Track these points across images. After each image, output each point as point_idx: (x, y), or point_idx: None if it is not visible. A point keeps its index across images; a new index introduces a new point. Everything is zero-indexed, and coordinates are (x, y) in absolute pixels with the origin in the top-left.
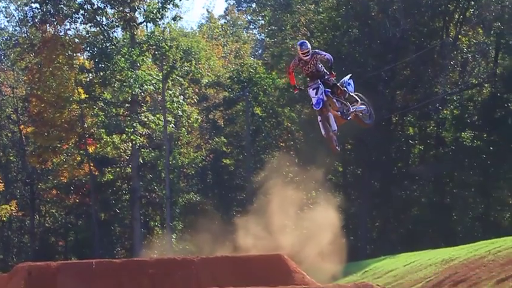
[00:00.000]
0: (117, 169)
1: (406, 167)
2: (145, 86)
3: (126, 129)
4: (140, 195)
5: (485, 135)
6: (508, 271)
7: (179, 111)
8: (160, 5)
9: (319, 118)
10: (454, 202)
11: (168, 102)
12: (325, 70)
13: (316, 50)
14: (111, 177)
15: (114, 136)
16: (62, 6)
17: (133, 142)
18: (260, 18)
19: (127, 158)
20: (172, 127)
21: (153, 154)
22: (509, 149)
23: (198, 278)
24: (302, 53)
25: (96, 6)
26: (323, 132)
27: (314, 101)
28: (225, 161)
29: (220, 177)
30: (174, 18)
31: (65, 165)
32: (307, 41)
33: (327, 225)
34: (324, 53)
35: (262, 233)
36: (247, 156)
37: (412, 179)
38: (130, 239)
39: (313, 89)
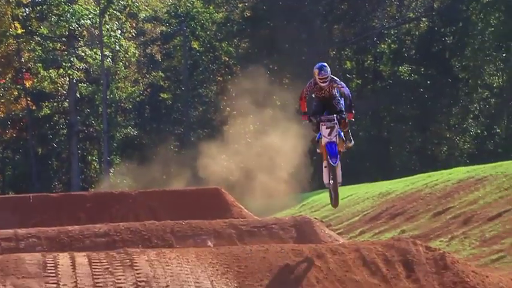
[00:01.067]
0: (55, 104)
1: None
2: (82, 21)
3: (63, 64)
4: (78, 129)
5: (422, 70)
6: (445, 204)
7: (116, 46)
8: None
9: (324, 164)
10: (392, 136)
11: (106, 37)
12: (337, 97)
13: (334, 78)
14: (49, 111)
15: (51, 71)
16: None
17: (71, 77)
18: None
19: (64, 92)
20: (110, 62)
21: (90, 88)
22: (447, 83)
23: (135, 211)
24: (320, 79)
25: None
26: (325, 181)
27: (325, 141)
28: (162, 96)
29: (158, 111)
30: None
31: (2, 100)
32: (326, 65)
33: (274, 155)
34: (342, 83)
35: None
36: (184, 91)
37: None
38: (67, 173)
39: (327, 128)
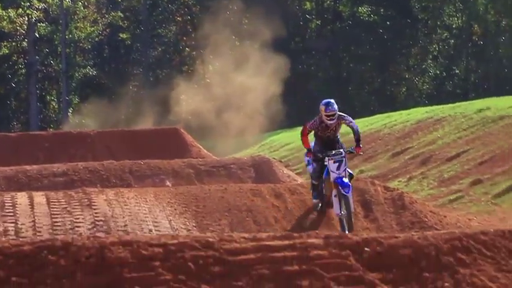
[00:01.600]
0: (13, 43)
1: (304, 42)
2: None
3: (22, 3)
4: (36, 69)
5: (382, 10)
6: (403, 144)
7: None
8: None
9: (333, 193)
10: (351, 76)
11: None
12: (339, 139)
13: (341, 114)
14: (7, 51)
15: (10, 10)
16: None
17: (30, 16)
18: None
19: (23, 32)
20: (69, 1)
21: (49, 28)
22: (406, 23)
23: (94, 151)
24: (327, 116)
25: None
26: (337, 211)
27: (334, 177)
28: (121, 36)
29: (117, 51)
30: None
31: None
32: (333, 101)
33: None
34: (350, 119)
35: (160, 106)
36: (144, 31)
37: (309, 53)
38: (26, 113)
39: (334, 162)
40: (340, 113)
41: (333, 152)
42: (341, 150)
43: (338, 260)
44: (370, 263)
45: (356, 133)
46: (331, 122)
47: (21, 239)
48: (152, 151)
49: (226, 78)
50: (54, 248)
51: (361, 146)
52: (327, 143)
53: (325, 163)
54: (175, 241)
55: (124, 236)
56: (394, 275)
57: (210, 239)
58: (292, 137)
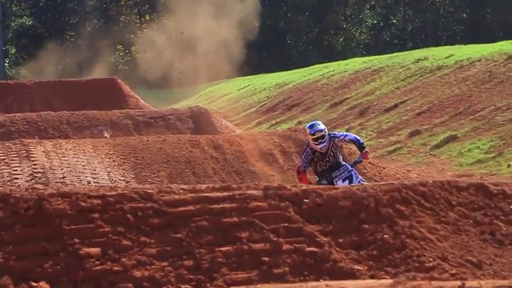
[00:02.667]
0: None
1: None
2: None
3: None
4: None
5: None
6: (342, 95)
7: None
8: None
9: None
10: (288, 26)
11: None
12: (341, 160)
13: (331, 133)
14: None
15: None
16: None
17: None
18: None
19: None
20: None
21: None
22: None
23: (31, 101)
24: (315, 140)
25: None
26: None
27: None
28: None
29: (53, 1)
30: None
31: None
32: (319, 122)
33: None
34: (343, 134)
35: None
36: None
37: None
38: None
39: (343, 180)
40: (330, 132)
41: (338, 171)
42: (346, 165)
43: (277, 212)
44: (310, 214)
45: (356, 142)
46: (322, 145)
47: None
48: (90, 102)
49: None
50: None
51: (367, 151)
52: (331, 168)
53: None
54: (114, 193)
55: (63, 187)
56: (333, 227)
57: (149, 191)
58: (230, 88)
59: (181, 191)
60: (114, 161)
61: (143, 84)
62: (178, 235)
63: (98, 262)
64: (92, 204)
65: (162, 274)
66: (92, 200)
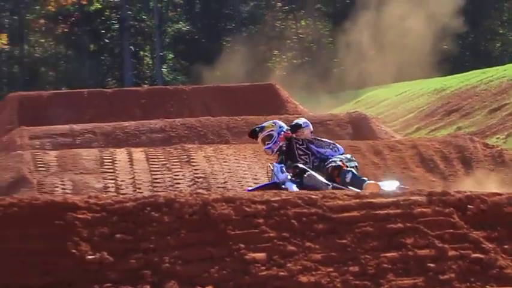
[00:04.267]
0: None
1: None
2: None
3: None
4: (129, 24)
5: None
6: (500, 100)
7: None
8: None
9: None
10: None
11: None
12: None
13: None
14: (100, 6)
15: None
16: None
17: None
18: None
19: None
20: None
21: None
22: None
23: (190, 107)
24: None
25: None
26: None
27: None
28: None
29: (208, 6)
30: None
31: None
32: (264, 124)
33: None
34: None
35: (253, 62)
36: None
37: None
38: (120, 69)
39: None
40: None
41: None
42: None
43: (442, 218)
44: (474, 220)
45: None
46: (266, 147)
47: (123, 196)
48: (248, 106)
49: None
50: (158, 205)
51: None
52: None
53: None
54: (278, 198)
55: (226, 192)
56: (498, 233)
57: (313, 196)
58: (388, 93)
59: (345, 196)
60: None
61: (301, 89)
62: (343, 241)
63: (263, 267)
64: (256, 209)
65: (328, 280)
66: (257, 205)
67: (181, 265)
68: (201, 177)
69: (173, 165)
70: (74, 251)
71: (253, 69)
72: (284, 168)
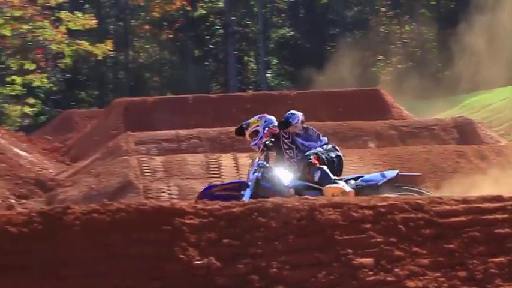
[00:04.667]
0: (209, 4)
1: None
2: None
3: None
4: (233, 30)
5: None
6: None
7: None
8: None
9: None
10: None
11: None
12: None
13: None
14: (204, 12)
15: None
16: None
17: None
18: None
19: None
20: None
21: None
22: None
23: None
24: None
25: None
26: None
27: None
28: None
29: (312, 12)
30: None
31: (157, 0)
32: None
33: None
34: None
35: (358, 67)
36: None
37: None
38: (224, 74)
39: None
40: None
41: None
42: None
43: None
44: None
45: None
46: (253, 144)
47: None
48: (352, 112)
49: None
50: (265, 210)
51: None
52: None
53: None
54: (384, 203)
55: (333, 198)
56: None
57: (420, 201)
58: (492, 98)
59: (452, 201)
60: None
61: (406, 94)
62: (451, 246)
63: (371, 272)
64: (363, 214)
65: (436, 285)
66: (364, 210)
67: (289, 270)
68: None
69: None
70: (181, 256)
71: (358, 75)
72: (258, 168)
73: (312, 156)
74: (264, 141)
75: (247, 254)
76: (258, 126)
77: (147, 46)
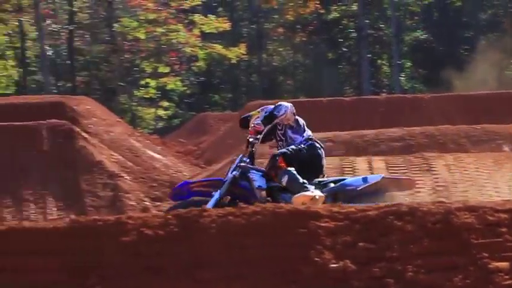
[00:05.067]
0: (343, 7)
1: None
2: None
3: None
4: (366, 33)
5: None
6: None
7: None
8: None
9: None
10: None
11: None
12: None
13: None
14: (337, 15)
15: None
16: None
17: None
18: None
19: None
20: None
21: None
22: None
23: (428, 115)
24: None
25: None
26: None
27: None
28: None
29: (446, 14)
30: None
31: (291, 4)
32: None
33: None
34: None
35: (493, 70)
36: None
37: None
38: (358, 77)
39: None
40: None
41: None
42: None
43: None
44: None
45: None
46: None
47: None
48: (487, 116)
49: None
50: (400, 214)
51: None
52: None
53: None
54: None
55: (468, 201)
56: None
57: None
58: None
59: None
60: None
61: None
62: None
63: (507, 276)
64: (499, 218)
65: None
66: (499, 214)
67: (425, 274)
68: (441, 185)
69: (413, 173)
70: (317, 259)
71: (493, 78)
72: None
73: (278, 158)
74: (247, 138)
75: (383, 257)
76: (258, 118)
77: (281, 49)
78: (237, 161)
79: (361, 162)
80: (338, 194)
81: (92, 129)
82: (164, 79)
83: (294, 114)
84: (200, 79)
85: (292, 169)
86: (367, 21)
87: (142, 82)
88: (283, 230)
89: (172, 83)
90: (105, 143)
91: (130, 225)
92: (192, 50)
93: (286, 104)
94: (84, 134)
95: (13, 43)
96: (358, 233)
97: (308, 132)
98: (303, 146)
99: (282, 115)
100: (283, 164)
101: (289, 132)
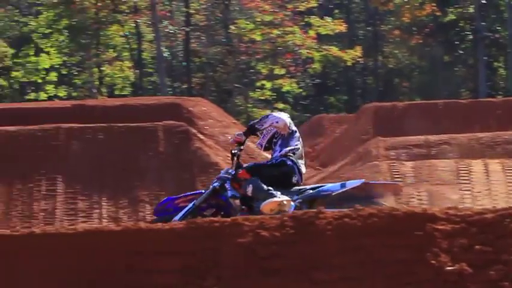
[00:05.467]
0: (459, 9)
1: None
2: None
3: None
4: (483, 35)
5: None
6: None
7: None
8: None
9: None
10: None
11: None
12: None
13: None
14: (454, 17)
15: None
16: None
17: None
18: None
19: None
20: None
21: None
22: None
23: None
24: None
25: None
26: None
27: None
28: None
29: None
30: None
31: (407, 6)
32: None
33: None
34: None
35: None
36: None
37: None
38: (474, 80)
39: None
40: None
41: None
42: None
43: None
44: None
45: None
46: (257, 144)
47: (482, 207)
48: None
49: None
50: None
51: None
52: None
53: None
54: None
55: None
56: None
57: None
58: None
59: None
60: None
61: None
62: None
63: None
64: None
65: None
66: None
67: None
68: None
69: None
70: (433, 261)
71: None
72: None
73: (239, 171)
74: (231, 149)
75: (500, 260)
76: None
77: (396, 51)
78: (222, 173)
79: (476, 165)
80: (315, 199)
81: (207, 130)
82: (280, 81)
83: (288, 127)
84: (316, 81)
85: (254, 178)
86: (484, 23)
87: (258, 84)
88: (399, 232)
89: (288, 85)
90: (220, 144)
91: (246, 227)
92: (308, 52)
93: (279, 116)
94: (200, 135)
95: (130, 45)
96: (475, 236)
97: (295, 144)
98: (274, 161)
99: (263, 128)
100: (243, 176)
101: (278, 143)
